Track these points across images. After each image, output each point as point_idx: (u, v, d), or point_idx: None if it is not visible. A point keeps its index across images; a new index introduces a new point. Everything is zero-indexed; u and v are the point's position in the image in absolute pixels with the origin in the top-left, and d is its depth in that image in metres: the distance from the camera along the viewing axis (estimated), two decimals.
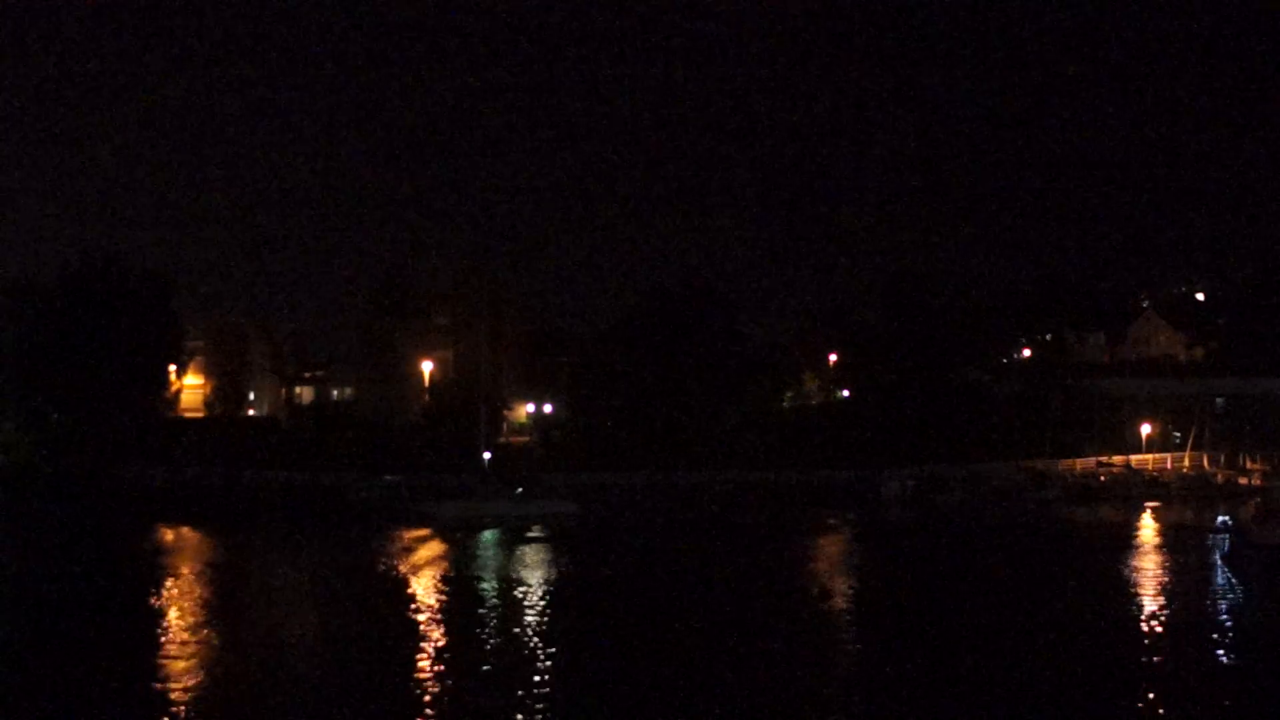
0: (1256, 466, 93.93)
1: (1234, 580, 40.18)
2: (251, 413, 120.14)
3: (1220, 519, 56.22)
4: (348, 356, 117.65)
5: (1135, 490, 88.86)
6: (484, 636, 34.36)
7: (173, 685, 26.86)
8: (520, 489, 79.62)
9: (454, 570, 50.73)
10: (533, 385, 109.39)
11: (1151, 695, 24.81)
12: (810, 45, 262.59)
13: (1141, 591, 42.34)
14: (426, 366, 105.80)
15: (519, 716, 24.57)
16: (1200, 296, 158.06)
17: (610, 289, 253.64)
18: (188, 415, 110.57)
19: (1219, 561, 46.92)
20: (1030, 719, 24.36)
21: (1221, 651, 27.60)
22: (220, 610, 39.05)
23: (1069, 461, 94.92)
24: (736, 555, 56.08)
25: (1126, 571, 48.73)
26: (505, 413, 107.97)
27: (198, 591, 43.25)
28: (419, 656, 30.41)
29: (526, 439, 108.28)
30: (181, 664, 29.40)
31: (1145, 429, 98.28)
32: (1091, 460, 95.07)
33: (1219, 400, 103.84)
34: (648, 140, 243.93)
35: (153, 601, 40.44)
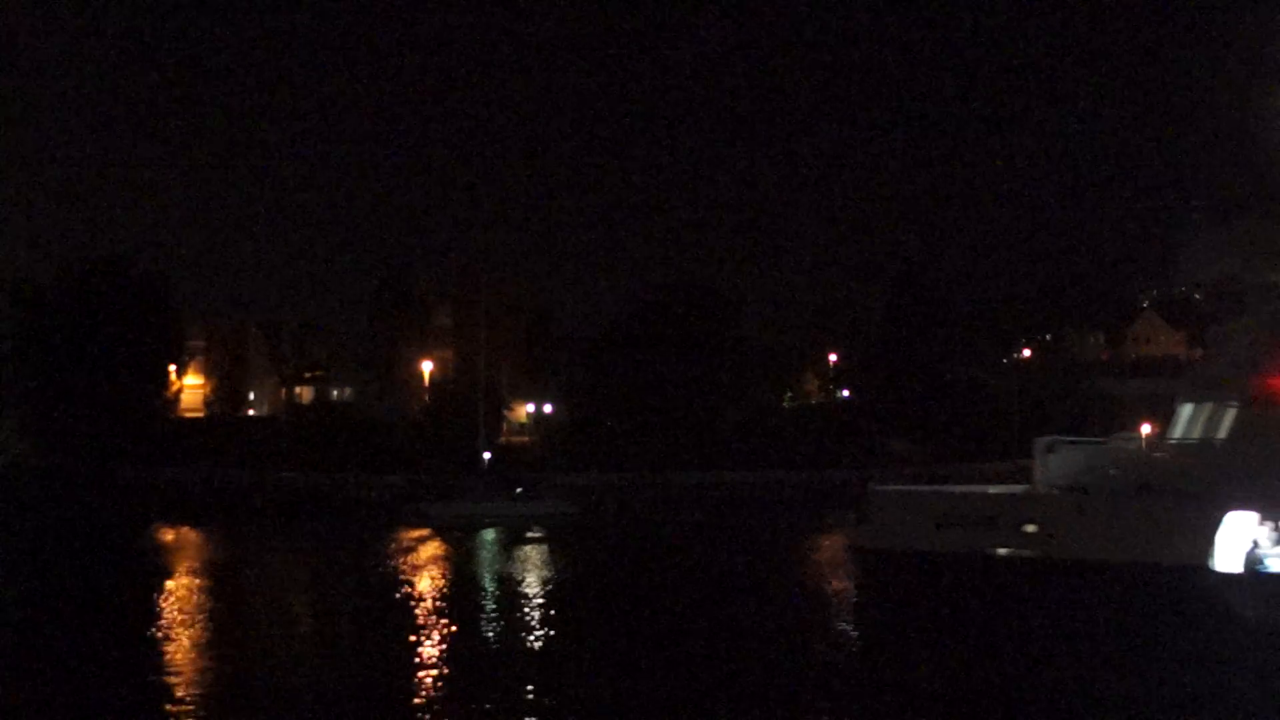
0: None
1: None
2: (251, 413, 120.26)
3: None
4: (348, 356, 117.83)
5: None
6: (484, 636, 34.35)
7: (172, 685, 26.84)
8: (520, 489, 79.69)
9: (454, 570, 50.73)
10: (533, 385, 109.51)
11: None
12: (811, 43, 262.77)
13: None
14: (426, 366, 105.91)
15: (519, 717, 24.54)
16: (1200, 297, 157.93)
17: (610, 288, 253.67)
18: (188, 415, 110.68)
19: None
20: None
21: None
22: (220, 610, 39.02)
23: None
24: (735, 555, 56.09)
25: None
26: (505, 413, 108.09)
27: (197, 591, 43.23)
28: (418, 656, 30.40)
29: (526, 439, 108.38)
30: (180, 663, 29.40)
31: (1145, 429, 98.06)
32: None
33: None
34: (649, 139, 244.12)
35: (152, 601, 40.41)
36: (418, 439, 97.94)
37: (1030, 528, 25.63)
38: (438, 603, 40.84)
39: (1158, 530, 25.25)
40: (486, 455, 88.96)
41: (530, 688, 26.85)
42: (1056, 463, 27.74)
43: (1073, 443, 28.49)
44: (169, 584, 45.21)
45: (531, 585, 44.99)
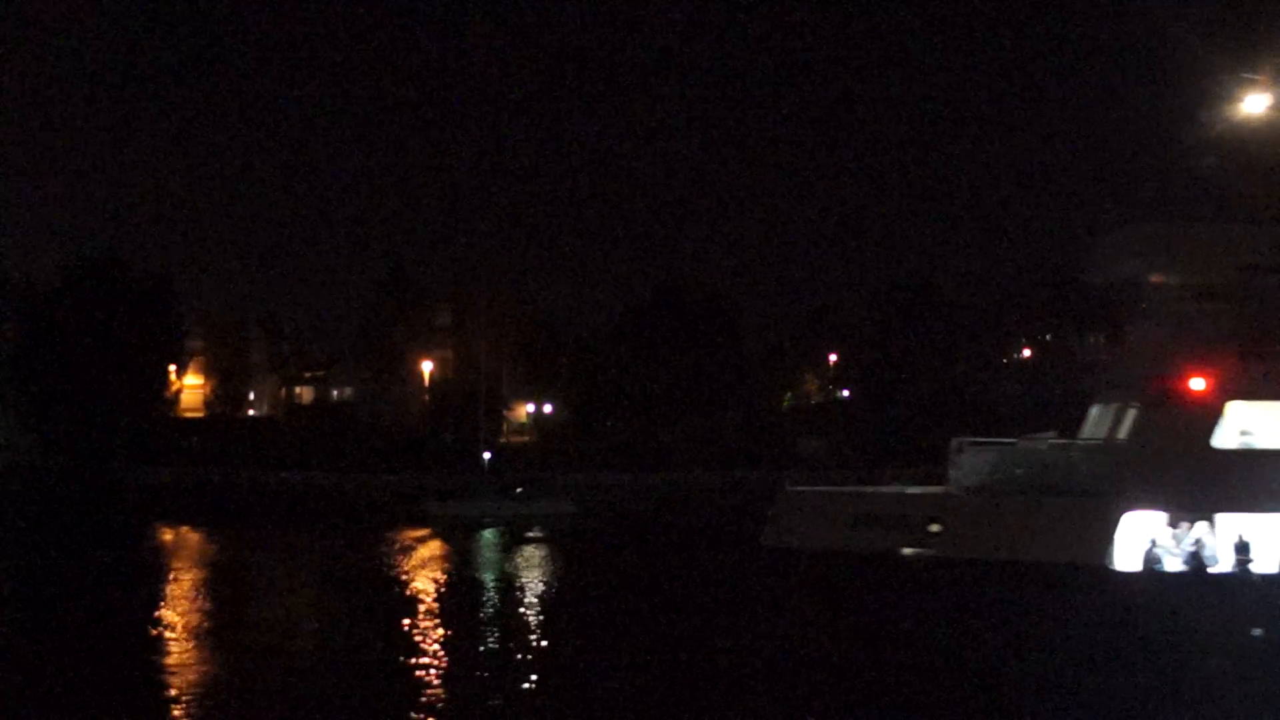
0: None
1: None
2: (251, 413, 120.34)
3: None
4: (348, 356, 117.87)
5: None
6: (484, 636, 34.39)
7: (172, 685, 26.88)
8: (520, 489, 79.75)
9: (454, 570, 50.76)
10: (533, 385, 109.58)
11: None
12: (809, 44, 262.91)
13: None
14: (426, 366, 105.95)
15: (519, 717, 24.59)
16: None
17: (611, 289, 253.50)
18: (188, 415, 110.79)
19: None
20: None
21: None
22: (220, 610, 39.05)
23: None
24: (733, 555, 56.05)
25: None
26: (505, 413, 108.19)
27: (197, 591, 43.26)
28: (418, 656, 30.44)
29: (526, 439, 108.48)
30: (181, 664, 29.42)
31: None
32: None
33: None
34: (648, 140, 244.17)
35: (152, 601, 40.44)
36: (418, 439, 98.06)
37: (935, 527, 26.08)
38: (438, 603, 40.89)
39: (1057, 530, 25.71)
40: (486, 455, 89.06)
41: (530, 687, 26.91)
42: (966, 463, 28.14)
43: (981, 443, 28.81)
44: (169, 584, 45.24)
45: (531, 585, 45.03)
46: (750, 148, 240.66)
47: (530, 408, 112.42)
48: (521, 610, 39.15)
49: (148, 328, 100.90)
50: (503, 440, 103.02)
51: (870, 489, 30.72)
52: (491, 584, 46.67)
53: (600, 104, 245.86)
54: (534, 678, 28.09)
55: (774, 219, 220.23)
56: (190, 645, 31.97)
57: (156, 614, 37.48)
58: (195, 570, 50.40)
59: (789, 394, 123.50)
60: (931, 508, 26.82)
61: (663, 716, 24.96)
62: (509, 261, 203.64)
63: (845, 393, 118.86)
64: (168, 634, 33.82)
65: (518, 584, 45.63)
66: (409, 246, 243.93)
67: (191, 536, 66.46)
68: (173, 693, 26.19)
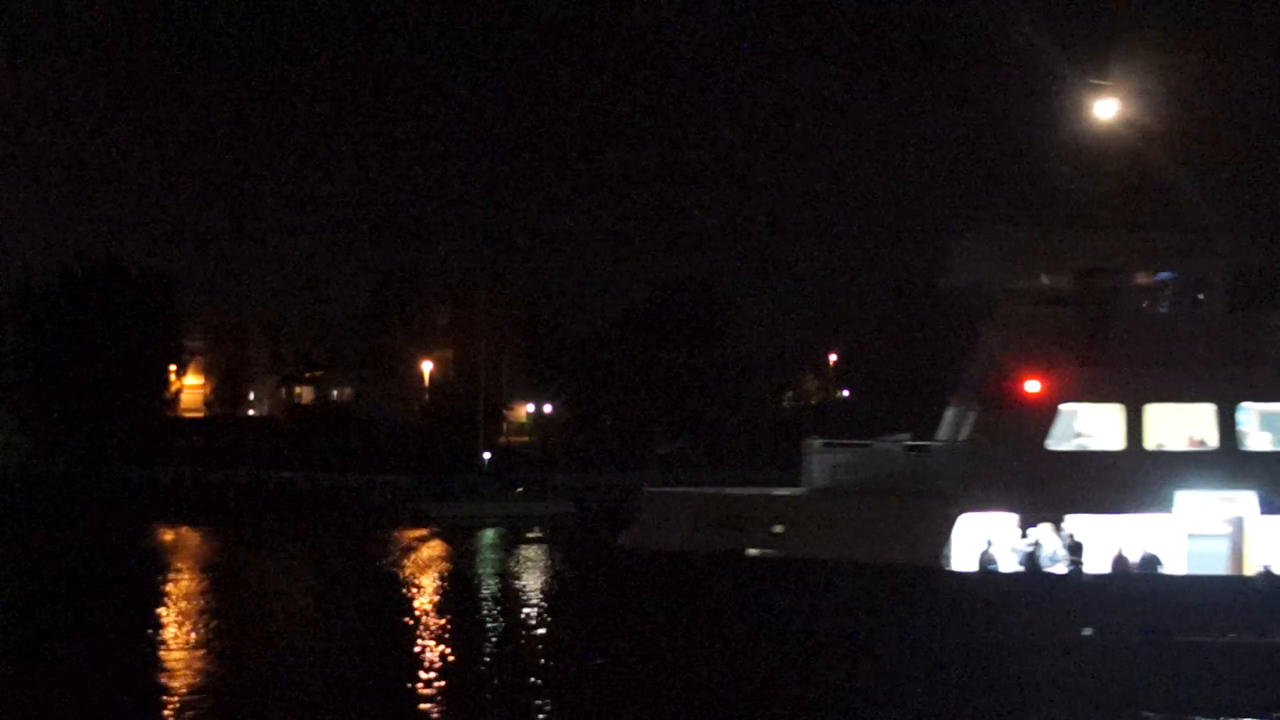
0: None
1: None
2: (251, 413, 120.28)
3: None
4: (348, 356, 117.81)
5: None
6: (484, 636, 34.39)
7: (172, 686, 26.88)
8: (520, 489, 79.72)
9: (454, 570, 50.75)
10: (533, 385, 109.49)
11: None
12: (810, 43, 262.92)
13: None
14: (426, 366, 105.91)
15: (519, 717, 24.59)
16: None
17: (611, 289, 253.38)
18: (188, 415, 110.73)
19: None
20: None
21: None
22: (219, 610, 39.03)
23: None
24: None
25: None
26: (505, 413, 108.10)
27: (197, 591, 43.26)
28: (418, 657, 30.44)
29: (526, 439, 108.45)
30: (180, 664, 29.41)
31: None
32: None
33: None
34: (649, 139, 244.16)
35: (152, 601, 40.43)
36: (418, 439, 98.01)
37: (778, 528, 26.26)
38: (438, 602, 40.90)
39: (893, 530, 25.95)
40: (486, 455, 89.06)
41: (529, 684, 26.93)
42: (818, 464, 28.30)
43: (834, 444, 28.95)
44: (169, 584, 45.23)
45: (531, 585, 45.03)
46: (750, 148, 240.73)
47: (530, 408, 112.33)
48: (521, 610, 39.15)
49: (148, 328, 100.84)
50: (503, 440, 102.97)
51: (728, 490, 31.01)
52: (491, 584, 46.66)
53: (601, 102, 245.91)
54: (534, 677, 28.09)
55: (775, 219, 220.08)
56: (190, 645, 31.96)
57: (156, 614, 37.48)
58: (195, 570, 50.39)
59: (789, 394, 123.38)
60: (778, 509, 27.04)
61: (664, 714, 24.96)
62: (509, 261, 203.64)
63: (845, 392, 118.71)
64: (168, 634, 33.82)
65: (518, 584, 45.62)
66: (408, 246, 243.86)
67: (191, 536, 66.45)
68: (172, 692, 26.18)
